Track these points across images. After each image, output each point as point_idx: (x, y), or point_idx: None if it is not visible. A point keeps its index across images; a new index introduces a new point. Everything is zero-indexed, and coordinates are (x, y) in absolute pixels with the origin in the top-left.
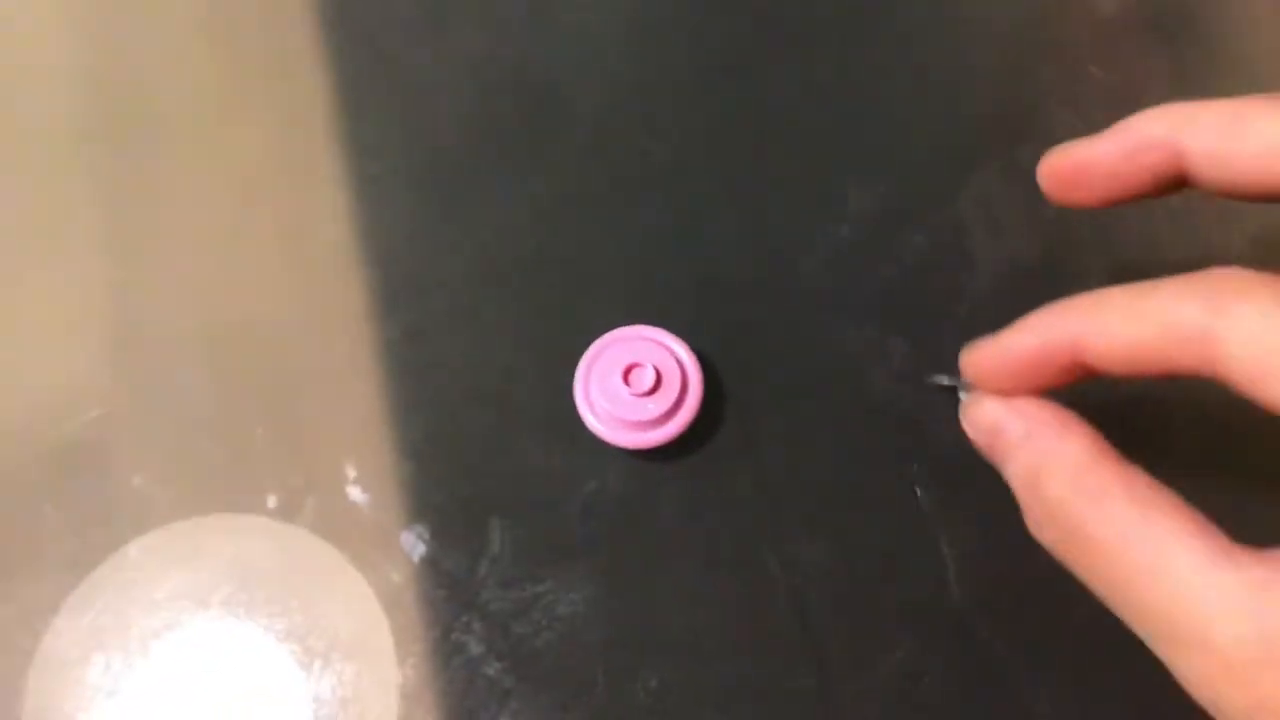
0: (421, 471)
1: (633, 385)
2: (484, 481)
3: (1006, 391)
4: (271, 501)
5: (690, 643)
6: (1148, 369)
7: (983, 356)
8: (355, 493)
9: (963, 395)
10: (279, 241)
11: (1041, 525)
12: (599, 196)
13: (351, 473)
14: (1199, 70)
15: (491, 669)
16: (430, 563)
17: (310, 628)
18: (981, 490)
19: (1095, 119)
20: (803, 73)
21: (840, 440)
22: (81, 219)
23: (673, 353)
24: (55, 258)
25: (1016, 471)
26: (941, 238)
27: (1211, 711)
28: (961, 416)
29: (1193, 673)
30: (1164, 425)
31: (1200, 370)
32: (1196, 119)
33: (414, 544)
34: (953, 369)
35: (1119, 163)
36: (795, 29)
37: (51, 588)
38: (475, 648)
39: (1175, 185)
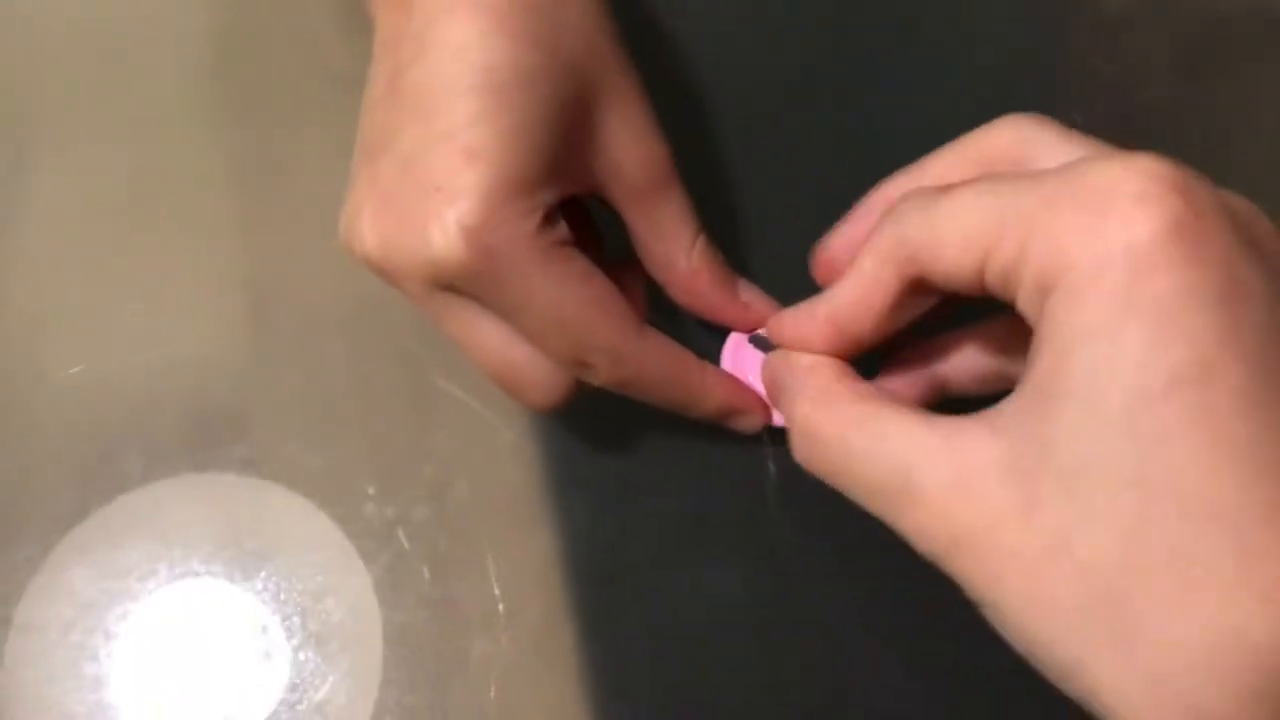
0: (561, 442)
1: None
2: (628, 457)
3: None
4: (426, 471)
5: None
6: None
7: (782, 326)
8: (501, 473)
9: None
10: None
11: (798, 448)
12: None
13: (499, 449)
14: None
15: (642, 647)
16: (577, 537)
17: (440, 616)
18: None
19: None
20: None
21: None
22: (218, 189)
23: None
24: (192, 228)
25: (786, 414)
26: None
27: (928, 557)
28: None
29: (910, 528)
30: None
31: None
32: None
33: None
34: None
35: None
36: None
37: None
38: (627, 626)
39: None
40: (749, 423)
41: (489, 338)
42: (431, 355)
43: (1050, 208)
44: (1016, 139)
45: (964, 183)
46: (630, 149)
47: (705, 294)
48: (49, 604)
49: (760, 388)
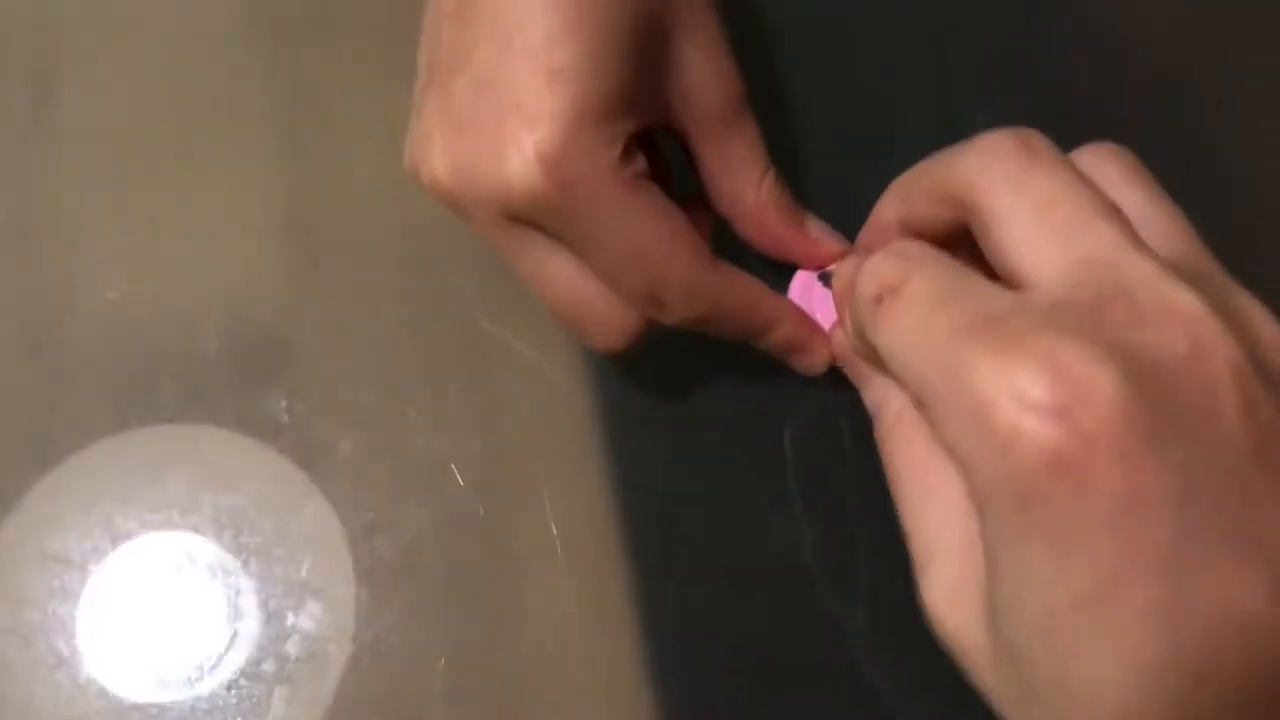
0: (612, 384)
1: None
2: (682, 400)
3: None
4: (477, 407)
5: None
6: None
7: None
8: (553, 412)
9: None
10: None
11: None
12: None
13: (549, 390)
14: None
15: (700, 589)
16: (633, 478)
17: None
18: None
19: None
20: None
21: None
22: (259, 113)
23: None
24: (233, 152)
25: (866, 402)
26: None
27: None
28: (833, 339)
29: (922, 602)
30: None
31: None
32: None
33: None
34: None
35: None
36: None
37: None
38: (686, 567)
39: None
40: (814, 362)
41: (559, 274)
42: (477, 293)
43: (950, 402)
44: (973, 182)
45: (898, 306)
46: (706, 78)
47: (773, 229)
48: (85, 537)
49: (828, 326)
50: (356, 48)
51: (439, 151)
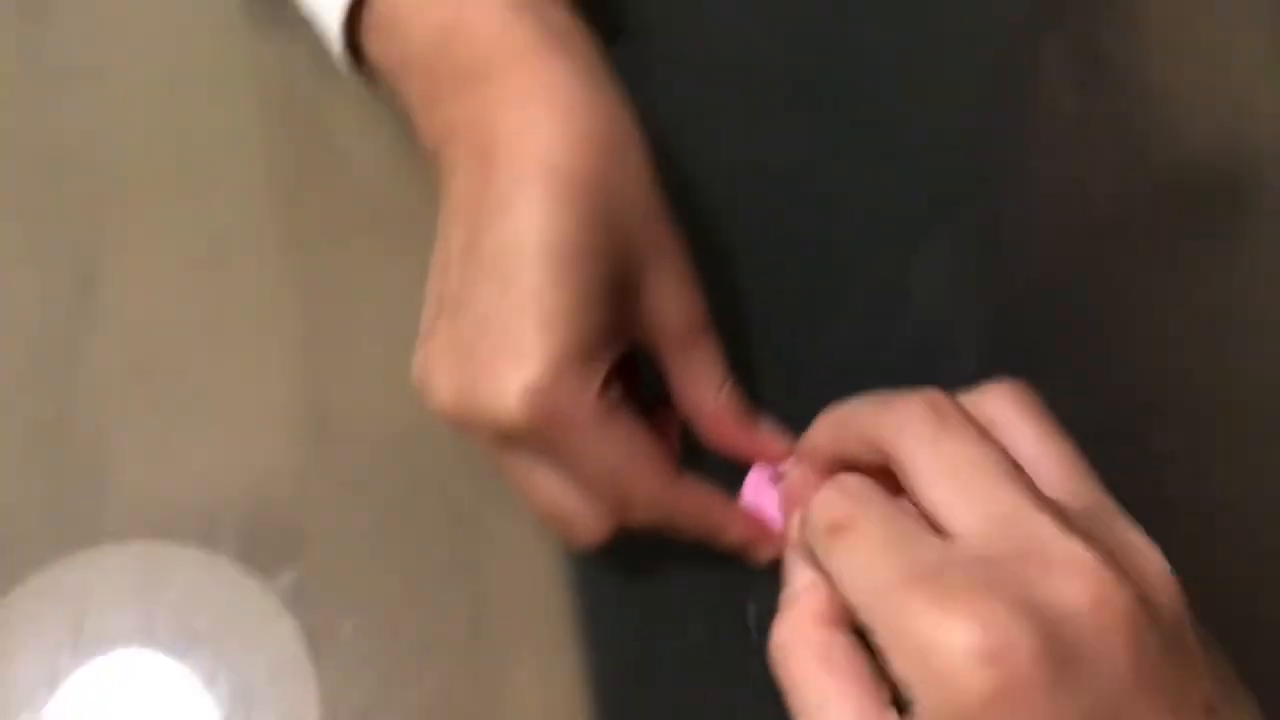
0: (593, 566)
1: None
2: (655, 582)
3: None
4: (466, 590)
5: None
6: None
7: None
8: (536, 593)
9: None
10: None
11: (771, 648)
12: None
13: (533, 572)
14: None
15: None
16: (608, 656)
17: None
18: None
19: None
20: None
21: None
22: (280, 314)
23: None
24: (254, 351)
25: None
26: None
27: None
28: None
29: None
30: None
31: None
32: None
33: None
34: None
35: None
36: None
37: None
38: None
39: None
40: (759, 558)
41: (544, 485)
42: (471, 488)
43: (896, 639)
44: (894, 441)
45: (850, 541)
46: (672, 304)
47: (728, 434)
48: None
49: (777, 521)
50: (370, 257)
51: (444, 379)
